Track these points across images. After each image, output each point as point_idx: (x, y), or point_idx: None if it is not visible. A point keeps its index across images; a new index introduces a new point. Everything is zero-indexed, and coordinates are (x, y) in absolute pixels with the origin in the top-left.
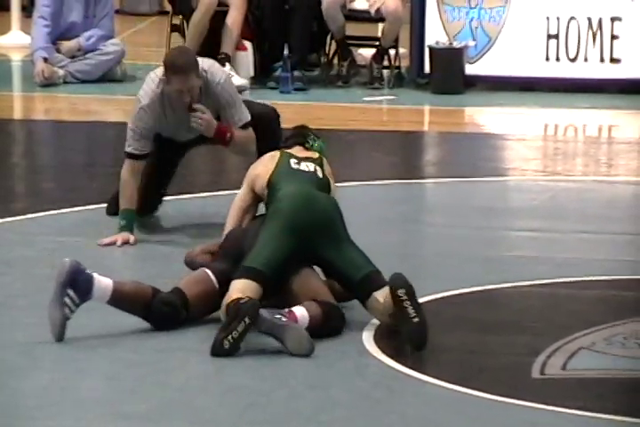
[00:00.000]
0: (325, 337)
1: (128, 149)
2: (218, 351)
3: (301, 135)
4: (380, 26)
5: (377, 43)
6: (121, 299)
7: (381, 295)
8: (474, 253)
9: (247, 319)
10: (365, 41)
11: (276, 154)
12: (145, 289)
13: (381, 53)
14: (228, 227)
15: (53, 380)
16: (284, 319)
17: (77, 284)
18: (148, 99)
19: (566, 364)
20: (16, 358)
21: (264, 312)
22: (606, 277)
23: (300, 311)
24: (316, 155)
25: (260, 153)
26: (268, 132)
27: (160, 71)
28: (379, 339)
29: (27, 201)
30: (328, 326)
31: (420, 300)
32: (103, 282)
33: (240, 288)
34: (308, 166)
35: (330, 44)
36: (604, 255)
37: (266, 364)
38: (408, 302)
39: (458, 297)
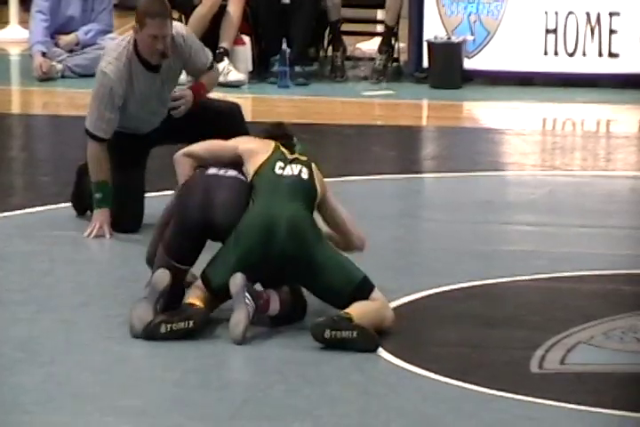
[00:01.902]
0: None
1: (96, 133)
2: (151, 330)
3: (286, 137)
4: (380, 12)
5: (378, 29)
6: None
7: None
8: (472, 247)
9: (191, 323)
10: (365, 23)
11: (271, 145)
12: None
13: (387, 39)
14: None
15: (50, 375)
16: (248, 301)
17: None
18: (114, 67)
19: (565, 358)
20: (13, 353)
21: (246, 285)
22: (605, 272)
23: (274, 303)
24: (305, 157)
25: None
26: (232, 127)
27: (120, 39)
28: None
29: (24, 195)
30: (290, 316)
31: (418, 295)
32: None
33: (197, 295)
34: (292, 169)
35: (329, 39)
36: (603, 250)
37: (263, 359)
38: (339, 333)
39: (456, 292)
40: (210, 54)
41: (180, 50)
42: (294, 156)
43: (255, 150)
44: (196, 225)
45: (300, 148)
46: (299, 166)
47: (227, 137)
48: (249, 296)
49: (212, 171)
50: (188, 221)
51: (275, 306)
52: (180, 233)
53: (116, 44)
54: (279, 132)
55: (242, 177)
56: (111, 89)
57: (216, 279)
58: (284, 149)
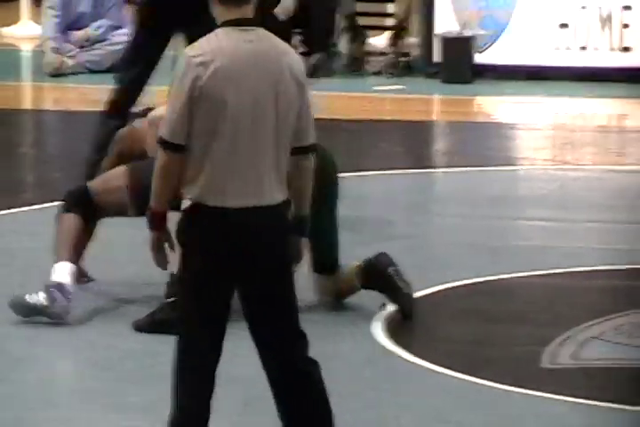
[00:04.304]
0: None
1: None
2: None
3: None
4: (390, 6)
5: (387, 23)
6: None
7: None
8: (482, 242)
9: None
10: (377, 17)
11: None
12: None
13: (398, 33)
14: None
15: (54, 371)
16: None
17: None
18: None
19: (576, 353)
20: (16, 349)
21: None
22: (615, 267)
23: None
24: None
25: None
26: None
27: None
28: (387, 330)
29: (35, 191)
30: None
31: (429, 290)
32: None
33: None
34: None
35: (338, 34)
36: (614, 245)
37: None
38: (397, 278)
39: (466, 287)
40: None
41: None
42: None
43: None
44: None
45: None
46: None
47: None
48: None
49: None
50: None
51: None
52: None
53: None
54: None
55: None
56: None
57: None
58: None
